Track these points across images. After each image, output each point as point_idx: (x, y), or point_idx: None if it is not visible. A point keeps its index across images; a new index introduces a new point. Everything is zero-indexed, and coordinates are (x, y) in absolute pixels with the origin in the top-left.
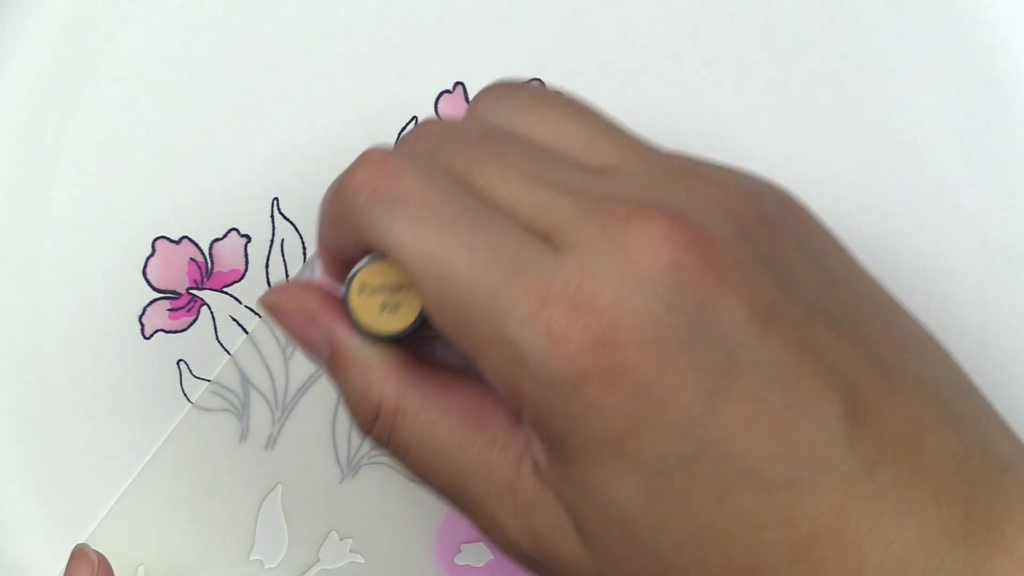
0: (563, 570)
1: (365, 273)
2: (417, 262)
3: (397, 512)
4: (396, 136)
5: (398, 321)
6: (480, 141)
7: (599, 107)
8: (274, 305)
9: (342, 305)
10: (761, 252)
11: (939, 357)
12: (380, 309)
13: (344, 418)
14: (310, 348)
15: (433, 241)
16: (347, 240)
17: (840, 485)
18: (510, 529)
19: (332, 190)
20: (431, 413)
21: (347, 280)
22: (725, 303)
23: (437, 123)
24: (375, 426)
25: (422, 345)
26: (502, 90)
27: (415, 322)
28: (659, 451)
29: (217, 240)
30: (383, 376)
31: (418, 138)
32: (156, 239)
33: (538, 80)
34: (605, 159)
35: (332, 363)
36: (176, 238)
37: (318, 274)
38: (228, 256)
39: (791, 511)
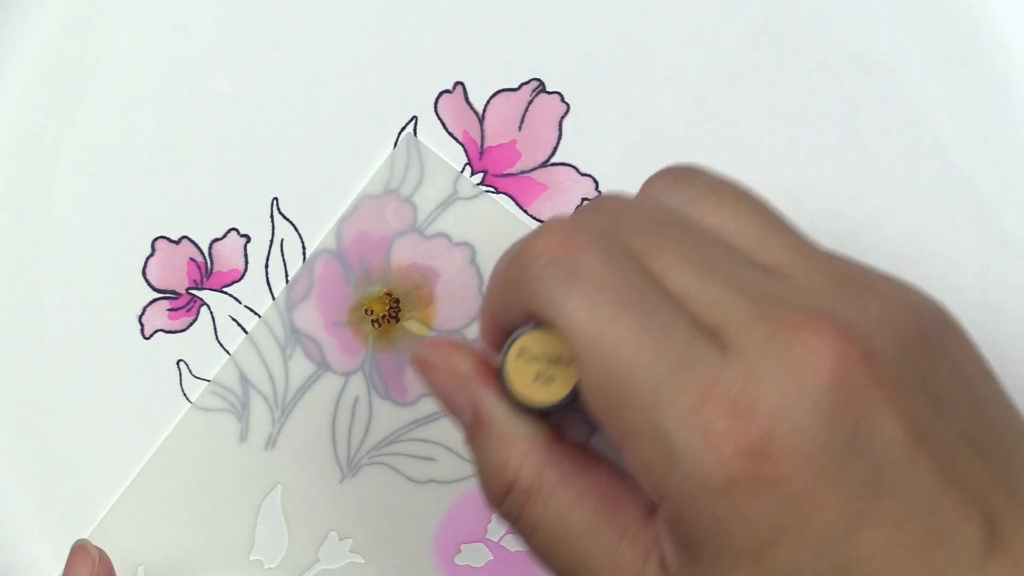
0: None
1: (527, 339)
2: (585, 339)
3: (397, 512)
4: (396, 136)
5: (550, 394)
6: (659, 226)
7: (772, 203)
8: (425, 361)
9: (496, 368)
10: (920, 374)
11: None
12: (534, 378)
13: (344, 418)
14: (452, 410)
15: (605, 321)
16: (515, 304)
17: None
18: None
19: (510, 253)
20: (566, 495)
21: (507, 344)
22: (882, 423)
23: (615, 200)
24: (506, 501)
25: (561, 423)
26: (678, 174)
27: (567, 397)
28: (796, 565)
29: (217, 240)
30: (524, 450)
31: (597, 212)
32: (156, 239)
33: (538, 80)
34: (775, 258)
35: (472, 429)
36: (176, 238)
37: (317, 275)
38: (228, 256)
39: None
